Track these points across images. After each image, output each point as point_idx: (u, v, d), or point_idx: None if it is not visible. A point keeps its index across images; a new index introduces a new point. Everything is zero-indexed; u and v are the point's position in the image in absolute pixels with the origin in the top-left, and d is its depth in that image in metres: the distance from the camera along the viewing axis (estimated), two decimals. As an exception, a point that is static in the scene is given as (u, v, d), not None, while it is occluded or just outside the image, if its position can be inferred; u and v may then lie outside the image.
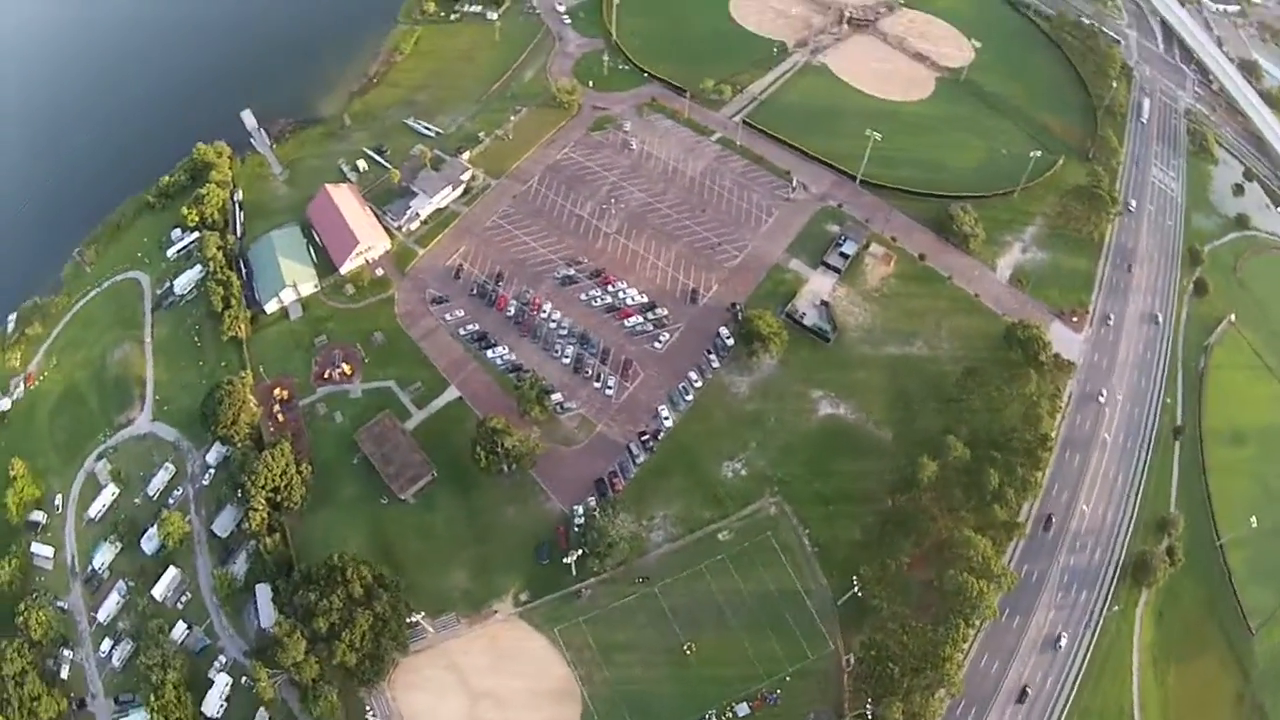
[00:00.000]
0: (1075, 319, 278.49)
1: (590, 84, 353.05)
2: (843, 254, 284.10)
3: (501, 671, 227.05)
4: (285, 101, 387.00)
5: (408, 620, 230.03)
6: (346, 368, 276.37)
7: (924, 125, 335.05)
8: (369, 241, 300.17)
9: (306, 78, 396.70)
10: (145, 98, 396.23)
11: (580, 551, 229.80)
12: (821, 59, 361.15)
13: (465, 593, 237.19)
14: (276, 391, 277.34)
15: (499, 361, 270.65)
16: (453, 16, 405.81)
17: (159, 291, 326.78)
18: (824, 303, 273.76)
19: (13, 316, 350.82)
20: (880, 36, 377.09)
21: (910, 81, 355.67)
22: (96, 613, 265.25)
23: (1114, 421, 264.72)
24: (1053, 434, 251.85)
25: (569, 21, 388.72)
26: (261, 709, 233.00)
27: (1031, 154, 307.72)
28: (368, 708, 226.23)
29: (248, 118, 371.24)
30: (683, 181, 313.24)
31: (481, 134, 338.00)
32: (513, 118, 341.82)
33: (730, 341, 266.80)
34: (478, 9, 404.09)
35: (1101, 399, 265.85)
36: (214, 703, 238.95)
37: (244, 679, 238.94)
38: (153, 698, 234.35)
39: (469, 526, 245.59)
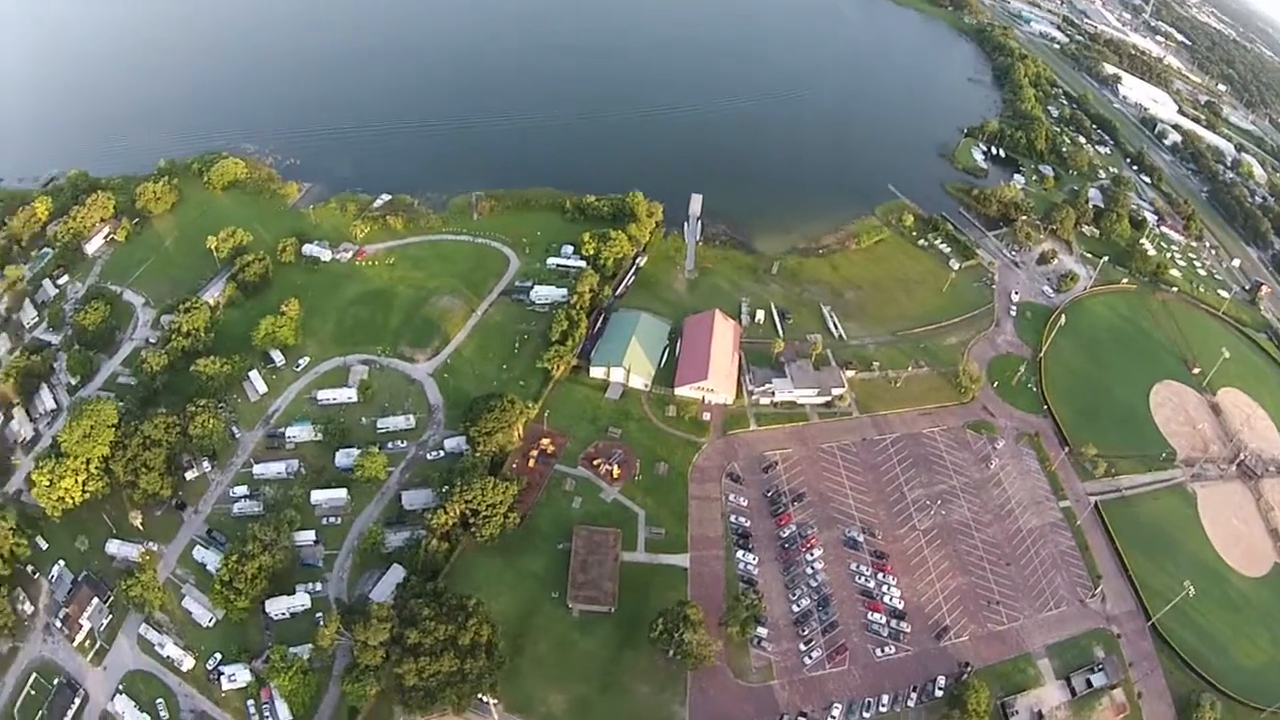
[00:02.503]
0: None
1: (995, 384, 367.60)
2: (1089, 682, 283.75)
3: None
4: (735, 210, 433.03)
5: (481, 696, 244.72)
6: (616, 470, 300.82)
7: (1236, 602, 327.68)
8: (716, 385, 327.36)
9: (766, 206, 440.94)
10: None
11: None
12: (1195, 488, 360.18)
13: (549, 715, 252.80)
14: (545, 441, 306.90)
15: (741, 566, 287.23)
16: (920, 242, 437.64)
17: (518, 283, 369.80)
18: (1040, 714, 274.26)
19: (387, 197, 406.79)
20: (1256, 495, 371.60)
21: (1253, 553, 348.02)
22: (255, 465, 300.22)
23: None
24: None
25: (1014, 314, 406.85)
26: (308, 646, 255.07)
27: None
28: None
29: (695, 203, 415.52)
30: (1010, 527, 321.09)
31: (876, 364, 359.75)
32: (911, 369, 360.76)
33: (939, 694, 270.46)
34: (945, 249, 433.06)
35: None
36: (279, 606, 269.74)
37: (319, 614, 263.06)
38: (235, 557, 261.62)
39: (600, 671, 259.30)
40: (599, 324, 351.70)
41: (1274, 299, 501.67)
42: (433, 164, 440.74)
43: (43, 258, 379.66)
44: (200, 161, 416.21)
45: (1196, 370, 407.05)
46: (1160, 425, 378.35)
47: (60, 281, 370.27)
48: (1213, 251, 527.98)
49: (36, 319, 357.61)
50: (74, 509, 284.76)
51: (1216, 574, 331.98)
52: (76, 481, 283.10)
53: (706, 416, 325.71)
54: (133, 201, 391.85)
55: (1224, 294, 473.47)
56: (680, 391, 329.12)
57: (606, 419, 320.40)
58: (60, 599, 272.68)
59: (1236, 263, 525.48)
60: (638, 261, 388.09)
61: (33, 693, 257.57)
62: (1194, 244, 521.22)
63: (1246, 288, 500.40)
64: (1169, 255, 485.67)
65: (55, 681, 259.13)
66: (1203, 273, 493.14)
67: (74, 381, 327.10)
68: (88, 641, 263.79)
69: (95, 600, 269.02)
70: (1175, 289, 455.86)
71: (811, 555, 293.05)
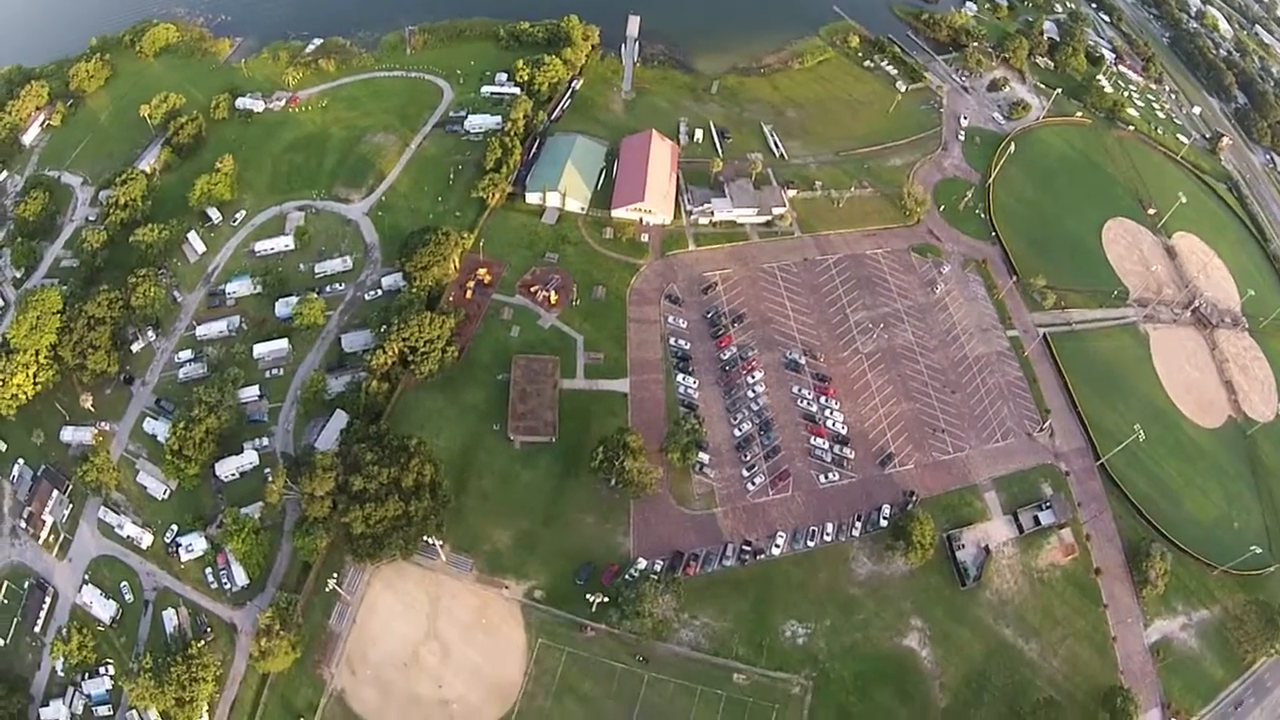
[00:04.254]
0: (1175, 719, 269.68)
1: (941, 208, 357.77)
2: (1037, 519, 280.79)
3: (468, 635, 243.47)
4: (675, 31, 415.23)
5: (428, 538, 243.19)
6: (554, 296, 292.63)
7: (1187, 451, 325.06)
8: (653, 205, 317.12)
9: (706, 26, 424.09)
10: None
11: (607, 599, 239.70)
12: (1147, 329, 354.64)
13: (495, 552, 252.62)
14: (481, 271, 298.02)
15: (681, 390, 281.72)
16: (866, 63, 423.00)
17: (452, 113, 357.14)
18: (986, 549, 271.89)
19: (318, 42, 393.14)
20: (1210, 344, 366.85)
21: (1205, 404, 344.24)
22: (198, 326, 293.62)
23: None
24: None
25: (962, 139, 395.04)
26: (259, 504, 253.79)
27: (1252, 547, 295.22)
28: (336, 574, 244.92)
29: (632, 24, 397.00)
30: (955, 353, 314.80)
31: (818, 184, 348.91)
32: (854, 189, 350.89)
33: (883, 524, 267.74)
34: (892, 71, 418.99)
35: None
36: (228, 468, 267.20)
37: (267, 470, 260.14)
38: (182, 423, 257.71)
39: (543, 504, 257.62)
40: (534, 149, 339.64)
41: (1234, 151, 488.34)
42: (365, 2, 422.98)
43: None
44: (131, 32, 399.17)
45: (1152, 211, 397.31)
46: (1113, 262, 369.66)
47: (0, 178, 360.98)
48: (1173, 96, 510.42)
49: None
50: (27, 403, 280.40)
51: (1169, 420, 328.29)
52: (28, 375, 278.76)
53: (644, 238, 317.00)
54: (66, 84, 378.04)
55: (1183, 139, 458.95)
56: (617, 213, 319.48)
57: (543, 245, 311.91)
58: (23, 498, 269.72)
59: (1197, 110, 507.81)
60: (573, 85, 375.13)
61: (4, 600, 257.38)
62: (1153, 86, 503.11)
63: (1207, 136, 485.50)
64: (1126, 94, 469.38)
65: (26, 584, 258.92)
66: (1161, 115, 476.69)
67: (19, 274, 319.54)
68: (51, 536, 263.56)
69: (55, 493, 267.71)
70: (1132, 128, 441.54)
71: (753, 378, 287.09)
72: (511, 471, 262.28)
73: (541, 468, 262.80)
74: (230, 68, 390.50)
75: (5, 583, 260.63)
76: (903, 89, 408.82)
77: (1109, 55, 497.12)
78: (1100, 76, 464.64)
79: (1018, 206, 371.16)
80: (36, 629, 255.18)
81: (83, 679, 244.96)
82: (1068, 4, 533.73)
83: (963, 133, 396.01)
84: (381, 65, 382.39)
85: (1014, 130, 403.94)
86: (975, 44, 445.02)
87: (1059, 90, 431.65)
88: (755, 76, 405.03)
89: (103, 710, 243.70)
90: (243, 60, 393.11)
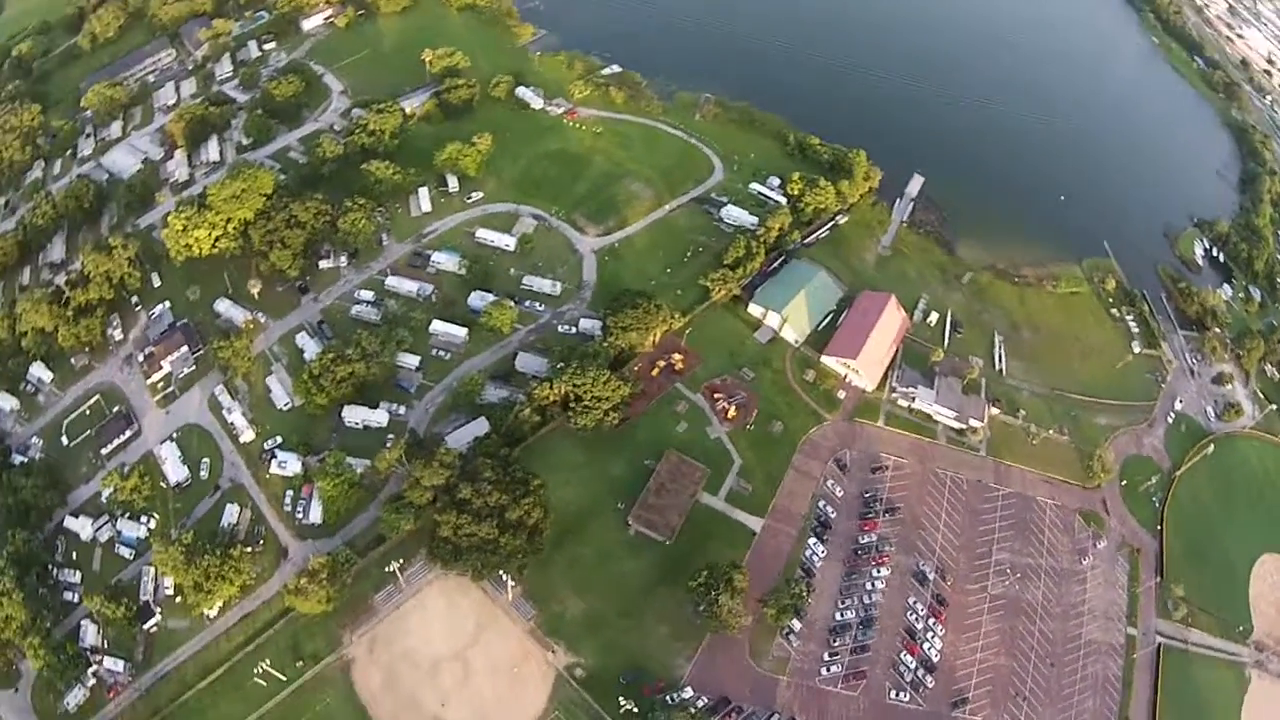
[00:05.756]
0: None
1: (1123, 482, 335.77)
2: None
3: (494, 675, 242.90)
4: (951, 204, 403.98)
5: (504, 574, 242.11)
6: (733, 411, 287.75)
7: None
8: (863, 368, 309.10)
9: (982, 213, 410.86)
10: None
11: (637, 710, 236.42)
12: (1252, 674, 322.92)
13: (559, 615, 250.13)
14: (676, 356, 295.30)
15: (807, 553, 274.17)
16: (1113, 311, 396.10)
17: (714, 195, 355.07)
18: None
19: (616, 69, 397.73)
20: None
21: None
22: (390, 276, 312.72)
23: None
24: None
25: (1170, 421, 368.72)
26: (366, 463, 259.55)
27: None
28: (402, 560, 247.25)
29: (915, 183, 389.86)
30: (1072, 629, 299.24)
31: (1021, 413, 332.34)
32: (1052, 432, 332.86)
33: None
34: (1134, 329, 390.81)
35: None
36: (356, 415, 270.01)
37: (390, 436, 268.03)
38: (332, 355, 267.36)
39: (628, 596, 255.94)
40: (775, 264, 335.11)
41: None
42: (675, 54, 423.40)
43: (257, 19, 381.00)
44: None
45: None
46: (1251, 597, 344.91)
47: (266, 46, 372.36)
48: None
49: (230, 74, 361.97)
50: (197, 259, 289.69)
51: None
52: (210, 235, 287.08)
53: (841, 394, 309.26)
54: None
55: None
56: (826, 360, 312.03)
57: (745, 358, 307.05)
58: (152, 336, 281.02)
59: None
60: (837, 218, 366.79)
61: (86, 412, 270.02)
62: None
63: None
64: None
65: (115, 409, 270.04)
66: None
67: (246, 142, 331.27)
68: (161, 384, 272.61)
69: (185, 348, 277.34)
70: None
71: (877, 572, 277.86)
72: (614, 553, 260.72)
73: (644, 562, 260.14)
74: (524, 54, 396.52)
75: (97, 396, 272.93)
76: (1136, 350, 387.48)
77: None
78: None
79: (1192, 509, 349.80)
80: (104, 451, 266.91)
81: (122, 515, 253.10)
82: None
83: (1173, 415, 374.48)
84: (667, 118, 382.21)
85: (1218, 432, 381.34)
86: (1217, 330, 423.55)
87: (1275, 406, 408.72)
88: (1007, 282, 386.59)
89: (125, 551, 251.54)
90: (538, 53, 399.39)
